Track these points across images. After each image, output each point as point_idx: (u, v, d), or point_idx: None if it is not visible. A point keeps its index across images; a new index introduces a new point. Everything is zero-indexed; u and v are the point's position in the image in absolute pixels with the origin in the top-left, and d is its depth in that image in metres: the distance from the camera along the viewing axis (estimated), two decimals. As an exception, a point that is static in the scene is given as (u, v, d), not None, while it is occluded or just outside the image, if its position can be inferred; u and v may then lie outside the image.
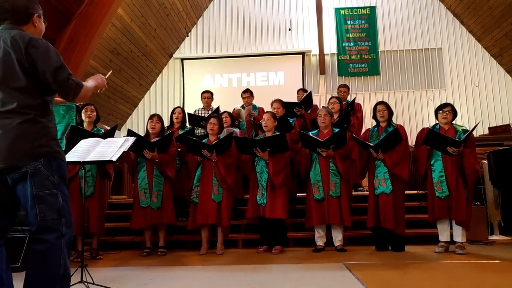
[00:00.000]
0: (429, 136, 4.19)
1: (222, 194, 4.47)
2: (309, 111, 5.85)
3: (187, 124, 5.63)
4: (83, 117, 4.51)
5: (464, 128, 4.35)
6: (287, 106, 5.55)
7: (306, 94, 5.89)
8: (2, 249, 2.00)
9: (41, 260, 1.90)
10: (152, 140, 4.44)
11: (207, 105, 6.16)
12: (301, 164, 4.62)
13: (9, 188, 1.96)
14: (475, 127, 4.28)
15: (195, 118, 5.72)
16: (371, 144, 4.32)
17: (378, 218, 4.31)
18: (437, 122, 4.44)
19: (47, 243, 1.91)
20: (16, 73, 1.94)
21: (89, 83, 2.23)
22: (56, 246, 1.93)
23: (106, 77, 2.47)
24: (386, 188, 4.29)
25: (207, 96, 6.18)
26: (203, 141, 4.58)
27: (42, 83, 1.99)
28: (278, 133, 4.52)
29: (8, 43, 1.94)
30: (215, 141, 4.53)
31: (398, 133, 4.25)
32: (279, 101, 5.47)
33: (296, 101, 6.29)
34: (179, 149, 4.79)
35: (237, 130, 5.37)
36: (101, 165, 4.34)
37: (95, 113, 4.56)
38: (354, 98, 6.47)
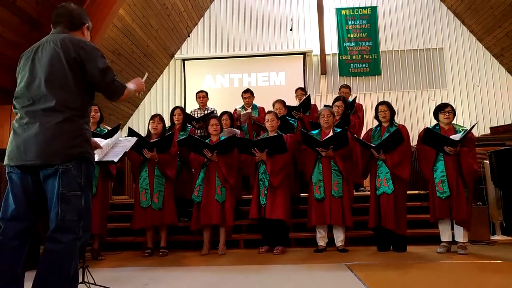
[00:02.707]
0: (426, 135, 4.20)
1: (225, 194, 4.47)
2: (307, 113, 5.83)
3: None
4: (87, 118, 4.50)
5: (464, 128, 4.35)
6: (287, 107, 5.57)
7: (305, 97, 5.87)
8: (24, 247, 2.02)
9: (54, 261, 1.93)
10: (152, 141, 4.45)
11: (202, 105, 6.16)
12: (307, 165, 4.60)
13: (38, 187, 2.01)
14: (473, 127, 4.25)
15: (188, 117, 5.72)
16: (373, 145, 4.31)
17: (380, 218, 4.31)
18: (437, 122, 4.44)
19: (62, 244, 1.94)
20: (63, 73, 2.02)
21: (130, 85, 2.33)
22: (70, 248, 1.95)
23: (143, 80, 2.58)
24: (388, 188, 4.28)
25: (202, 95, 6.17)
26: (206, 141, 4.59)
27: (87, 84, 2.09)
28: (279, 133, 4.53)
29: (58, 45, 2.04)
30: (217, 141, 4.54)
31: (400, 134, 4.24)
32: (281, 101, 5.47)
33: (294, 99, 6.27)
34: (178, 151, 4.78)
35: (237, 131, 5.37)
36: (103, 166, 4.34)
37: (99, 114, 4.57)
38: (355, 98, 6.46)
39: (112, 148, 3.06)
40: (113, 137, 3.16)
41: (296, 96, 6.34)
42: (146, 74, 3.05)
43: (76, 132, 2.02)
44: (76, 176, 1.99)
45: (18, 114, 2.06)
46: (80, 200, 2.00)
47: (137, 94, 2.51)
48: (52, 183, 1.96)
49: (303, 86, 8.89)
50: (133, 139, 3.23)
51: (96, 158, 3.00)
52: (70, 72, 2.02)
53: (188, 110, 6.17)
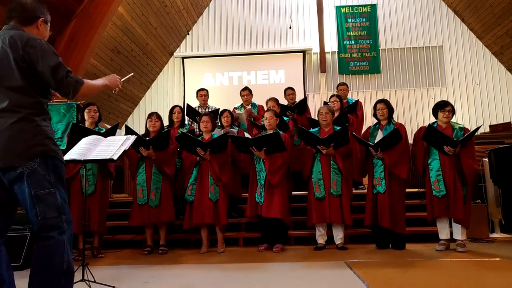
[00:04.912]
0: (428, 132, 4.19)
1: (218, 192, 4.46)
2: (301, 115, 5.79)
3: (186, 121, 5.63)
4: (86, 117, 4.50)
5: (461, 126, 4.35)
6: (280, 106, 5.56)
7: (301, 99, 5.84)
8: (1, 248, 2.01)
9: (46, 256, 1.93)
10: (148, 138, 4.45)
11: (203, 103, 6.13)
12: (305, 164, 4.61)
13: (6, 188, 1.97)
14: (476, 130, 4.24)
15: (192, 111, 5.71)
16: (371, 143, 4.32)
17: (376, 216, 4.32)
18: (435, 120, 4.44)
19: (50, 241, 1.94)
20: (12, 72, 1.95)
21: (97, 81, 2.23)
22: (58, 243, 1.95)
23: (123, 79, 2.47)
24: (381, 187, 4.30)
25: (203, 93, 6.14)
26: (198, 139, 4.59)
27: (40, 83, 2.00)
28: (278, 131, 4.53)
29: (6, 42, 1.96)
30: (209, 139, 4.54)
31: (398, 133, 4.25)
32: (274, 99, 5.47)
33: (283, 98, 6.22)
34: (178, 149, 4.78)
35: (234, 130, 5.36)
36: (102, 164, 4.34)
37: (98, 114, 4.56)
38: (358, 100, 6.45)
39: (109, 146, 3.06)
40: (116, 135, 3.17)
41: (286, 96, 6.22)
42: (131, 74, 2.97)
43: (34, 130, 1.96)
44: (45, 174, 1.95)
45: None
46: (56, 196, 1.97)
47: (113, 91, 2.43)
48: (20, 186, 1.93)
49: (303, 85, 8.90)
50: (133, 137, 3.23)
51: (94, 155, 3.01)
52: (19, 71, 1.94)
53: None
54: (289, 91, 6.23)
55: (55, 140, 2.10)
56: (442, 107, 4.35)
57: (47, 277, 1.92)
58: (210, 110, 5.91)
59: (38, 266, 1.92)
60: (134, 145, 4.33)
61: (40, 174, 1.94)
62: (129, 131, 4.38)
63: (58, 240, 1.94)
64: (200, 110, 6.00)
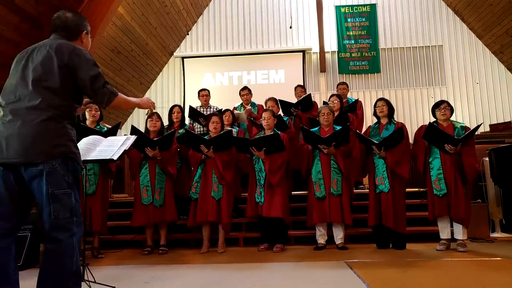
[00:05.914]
0: (428, 130, 4.19)
1: (222, 191, 4.45)
2: (306, 112, 5.79)
3: (186, 121, 5.62)
4: (87, 116, 4.52)
5: (463, 124, 4.34)
6: (283, 105, 5.55)
7: (305, 95, 5.84)
8: (11, 246, 2.03)
9: (55, 258, 1.97)
10: (152, 138, 4.45)
11: (205, 103, 6.12)
12: (303, 162, 4.62)
13: (22, 185, 2.01)
14: (477, 128, 4.24)
15: (195, 113, 5.70)
16: (376, 142, 4.31)
17: (380, 216, 4.31)
18: (435, 120, 4.44)
19: (60, 242, 1.97)
20: (53, 74, 2.04)
21: (132, 98, 2.38)
22: (68, 245, 1.98)
23: (155, 108, 2.68)
24: (385, 187, 4.29)
25: (205, 94, 6.14)
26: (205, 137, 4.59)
27: (75, 89, 2.11)
28: (276, 131, 4.53)
29: (53, 48, 2.08)
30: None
31: (402, 132, 4.25)
32: (273, 99, 5.46)
33: (294, 96, 6.25)
34: (178, 149, 4.78)
35: (234, 130, 5.35)
36: (103, 164, 4.34)
37: (99, 113, 4.57)
38: (358, 99, 6.45)
39: (109, 146, 3.06)
40: (117, 135, 3.16)
41: (296, 94, 6.31)
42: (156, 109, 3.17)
43: (60, 131, 2.03)
44: (64, 174, 2.00)
45: (2, 112, 2.07)
46: (71, 198, 2.02)
47: (145, 114, 2.56)
48: (39, 183, 1.96)
49: (303, 84, 8.86)
50: (133, 137, 3.22)
51: (94, 156, 3.01)
52: (59, 75, 2.04)
53: (187, 108, 6.16)
54: (299, 89, 6.30)
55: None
56: (438, 105, 4.36)
57: (56, 279, 1.95)
58: (213, 110, 5.90)
59: (47, 269, 1.96)
60: (140, 146, 4.34)
61: (59, 174, 1.99)
62: (134, 131, 4.37)
63: (68, 244, 1.98)
64: (201, 110, 6.00)
